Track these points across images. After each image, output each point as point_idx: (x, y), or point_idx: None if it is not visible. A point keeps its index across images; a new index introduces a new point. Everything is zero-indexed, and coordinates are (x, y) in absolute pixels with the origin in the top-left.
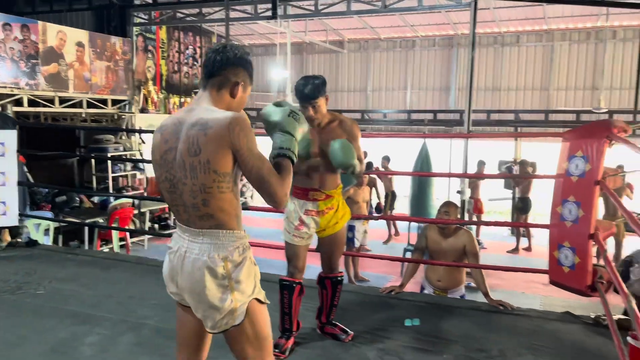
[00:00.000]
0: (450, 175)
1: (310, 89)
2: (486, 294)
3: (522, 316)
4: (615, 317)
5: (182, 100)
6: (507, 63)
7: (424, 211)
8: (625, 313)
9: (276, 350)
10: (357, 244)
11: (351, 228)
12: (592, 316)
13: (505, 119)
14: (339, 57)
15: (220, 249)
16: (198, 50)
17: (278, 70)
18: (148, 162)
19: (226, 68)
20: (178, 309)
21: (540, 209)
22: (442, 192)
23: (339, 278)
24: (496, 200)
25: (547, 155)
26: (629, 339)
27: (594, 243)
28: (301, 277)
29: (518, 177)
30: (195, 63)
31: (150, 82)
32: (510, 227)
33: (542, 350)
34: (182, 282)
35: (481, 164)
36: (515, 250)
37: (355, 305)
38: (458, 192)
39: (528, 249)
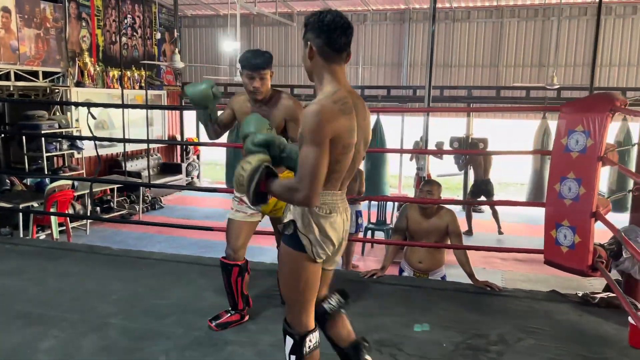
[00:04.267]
0: (411, 151)
1: (261, 59)
2: (471, 275)
3: (510, 297)
4: (601, 294)
5: (122, 73)
6: (459, 39)
7: (378, 189)
8: (607, 290)
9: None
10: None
11: (360, 214)
12: (579, 294)
13: (457, 95)
14: (288, 30)
15: None
16: (137, 20)
17: (229, 42)
18: (86, 139)
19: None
20: (318, 272)
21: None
22: (394, 169)
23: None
24: (444, 176)
25: (496, 131)
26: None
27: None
28: (240, 258)
29: (489, 153)
30: (135, 34)
31: (86, 54)
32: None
33: (540, 333)
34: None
35: (440, 144)
36: (468, 232)
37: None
38: (419, 169)
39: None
